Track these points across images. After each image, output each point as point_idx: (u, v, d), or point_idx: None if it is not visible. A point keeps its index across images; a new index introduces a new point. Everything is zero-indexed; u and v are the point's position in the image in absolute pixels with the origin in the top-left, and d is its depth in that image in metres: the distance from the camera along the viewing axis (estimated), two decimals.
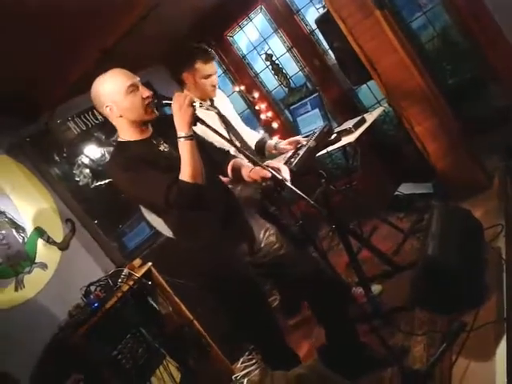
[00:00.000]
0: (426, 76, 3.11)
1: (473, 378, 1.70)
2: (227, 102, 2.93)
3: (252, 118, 4.53)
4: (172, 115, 1.73)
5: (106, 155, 3.36)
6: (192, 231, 1.95)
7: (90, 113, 3.36)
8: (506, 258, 2.28)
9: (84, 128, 3.33)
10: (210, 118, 2.41)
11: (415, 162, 3.58)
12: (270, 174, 1.72)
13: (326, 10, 3.33)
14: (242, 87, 4.39)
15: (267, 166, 1.73)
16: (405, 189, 3.78)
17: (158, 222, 2.37)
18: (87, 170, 3.23)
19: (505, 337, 1.74)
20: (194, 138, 1.73)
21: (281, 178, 1.70)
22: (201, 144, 1.81)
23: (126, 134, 1.86)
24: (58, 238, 2.92)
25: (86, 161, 3.26)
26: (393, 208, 3.75)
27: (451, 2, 3.52)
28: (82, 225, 3.03)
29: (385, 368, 2.08)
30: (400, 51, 2.99)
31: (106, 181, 3.25)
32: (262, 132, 4.23)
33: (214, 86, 2.65)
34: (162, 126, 1.88)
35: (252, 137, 2.88)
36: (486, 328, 1.83)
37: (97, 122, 3.40)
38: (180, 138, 1.72)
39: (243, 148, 2.54)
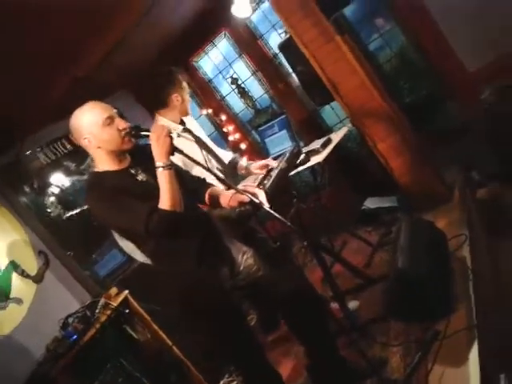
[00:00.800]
0: (385, 95, 3.27)
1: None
2: (197, 125, 3.00)
3: (220, 139, 4.60)
4: (149, 145, 1.78)
5: (77, 184, 3.35)
6: (171, 258, 1.98)
7: (58, 142, 3.35)
8: (472, 267, 2.40)
9: (53, 158, 3.31)
10: (188, 146, 2.47)
11: (380, 177, 3.73)
12: (247, 199, 1.79)
13: (288, 35, 3.47)
14: (210, 110, 4.47)
15: (244, 192, 1.80)
16: (371, 203, 3.91)
17: (131, 248, 2.38)
18: (58, 201, 3.21)
19: (476, 343, 1.84)
20: (173, 167, 1.78)
21: (258, 202, 1.78)
22: (179, 173, 1.86)
23: (104, 164, 1.89)
24: (32, 271, 2.87)
25: (56, 191, 3.24)
26: (361, 222, 3.88)
27: (406, 23, 3.74)
28: (55, 256, 3.00)
29: (364, 380, 2.15)
30: (360, 73, 3.14)
31: (78, 210, 3.23)
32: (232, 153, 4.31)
33: (187, 103, 2.75)
34: (140, 156, 1.92)
35: (224, 157, 2.95)
36: (458, 335, 1.93)
37: (66, 151, 3.39)
38: (158, 167, 1.76)
39: (223, 172, 2.62)
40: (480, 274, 2.35)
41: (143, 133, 1.83)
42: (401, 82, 3.87)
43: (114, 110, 1.88)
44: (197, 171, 2.11)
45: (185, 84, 2.69)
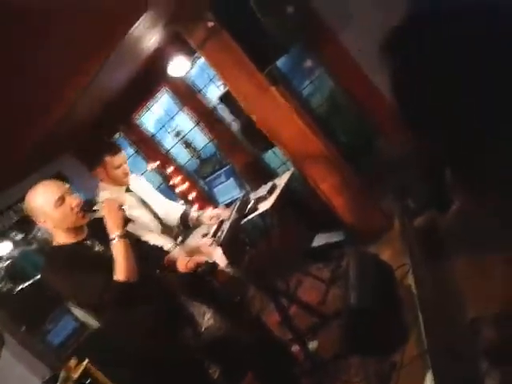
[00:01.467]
0: (322, 138, 3.49)
1: None
2: (143, 183, 3.06)
3: (168, 191, 4.66)
4: None
5: (25, 254, 3.29)
6: (129, 325, 2.02)
7: (4, 214, 3.29)
8: (417, 295, 2.56)
9: (1, 230, 3.25)
10: (143, 213, 2.53)
11: (325, 214, 3.90)
12: (203, 260, 1.88)
13: (227, 88, 3.64)
14: (156, 163, 4.54)
15: (201, 253, 1.89)
16: (319, 240, 4.06)
17: (84, 314, 2.38)
18: (8, 275, 3.13)
19: (430, 367, 1.97)
20: (127, 237, 1.84)
21: (213, 261, 1.87)
22: (136, 243, 1.93)
23: (60, 238, 1.94)
24: None
25: (6, 264, 3.16)
26: (312, 259, 4.01)
27: (331, 67, 4.01)
28: (9, 334, 2.90)
29: None
30: (297, 121, 3.34)
31: (30, 282, 3.16)
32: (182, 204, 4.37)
33: (127, 174, 2.79)
34: (97, 227, 1.96)
35: (176, 210, 3.02)
36: (414, 362, 2.06)
37: (13, 221, 3.33)
38: (112, 239, 1.82)
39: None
40: (425, 301, 2.51)
41: (95, 208, 1.89)
42: (334, 123, 4.13)
43: (67, 186, 1.93)
44: (153, 238, 2.18)
45: (108, 159, 2.72)
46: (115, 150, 2.75)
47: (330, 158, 3.45)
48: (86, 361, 2.83)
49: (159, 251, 2.18)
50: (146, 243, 2.17)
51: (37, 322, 3.21)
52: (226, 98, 3.79)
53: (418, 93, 0.99)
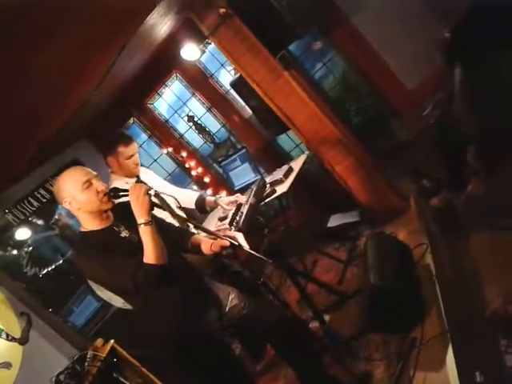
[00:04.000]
0: (336, 122, 3.50)
1: None
2: (152, 174, 3.12)
3: (183, 175, 4.71)
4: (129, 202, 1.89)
5: (48, 239, 3.37)
6: (157, 307, 2.07)
7: (25, 201, 3.36)
8: (436, 273, 2.60)
9: (22, 217, 3.32)
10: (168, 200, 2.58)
11: (341, 194, 3.93)
12: (228, 243, 1.93)
13: (238, 73, 3.65)
14: (170, 149, 4.58)
15: (225, 236, 1.94)
16: (335, 220, 4.10)
17: (109, 295, 2.44)
18: (33, 260, 3.22)
19: (450, 345, 2.02)
20: (153, 222, 1.89)
21: (238, 244, 1.92)
22: (161, 225, 1.97)
23: (88, 224, 1.98)
24: (17, 334, 2.85)
25: (29, 250, 3.24)
26: (328, 240, 4.05)
27: (344, 50, 4.01)
28: (37, 315, 2.99)
29: None
30: (311, 104, 3.35)
31: (53, 266, 3.25)
32: (197, 189, 4.43)
33: (137, 164, 2.84)
34: (122, 213, 2.01)
35: (191, 196, 3.06)
36: (434, 340, 2.10)
37: (33, 208, 3.40)
38: (140, 225, 1.87)
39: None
40: (444, 279, 2.55)
41: (122, 193, 1.94)
42: (347, 105, 4.13)
43: (94, 173, 1.98)
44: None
45: (121, 149, 2.76)
46: (128, 140, 2.80)
47: (344, 139, 3.46)
48: (113, 340, 2.92)
49: (184, 233, 2.23)
50: (171, 225, 2.22)
51: (62, 303, 3.30)
52: (238, 84, 3.79)
53: None
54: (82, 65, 2.51)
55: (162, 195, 1.93)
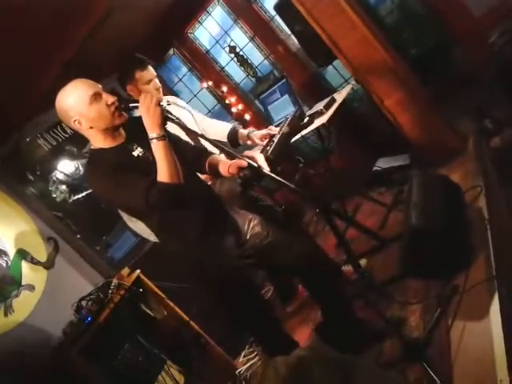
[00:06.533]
0: (389, 49, 3.12)
1: (470, 338, 1.72)
2: (182, 103, 2.92)
3: (223, 112, 4.51)
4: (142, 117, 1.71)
5: (80, 168, 3.31)
6: (175, 231, 1.93)
7: (58, 127, 3.31)
8: (489, 217, 2.31)
9: (54, 143, 3.28)
10: (183, 115, 2.39)
11: (389, 136, 3.61)
12: (246, 163, 1.72)
13: None
14: (210, 83, 4.37)
15: (243, 156, 1.73)
16: (382, 163, 3.80)
17: (140, 228, 2.34)
18: (63, 186, 3.19)
19: (496, 293, 1.77)
20: (167, 137, 1.71)
21: (257, 165, 1.70)
22: (176, 143, 1.79)
23: (99, 142, 1.83)
24: (42, 258, 2.87)
25: (60, 176, 3.21)
26: (373, 184, 3.78)
27: None
28: (64, 241, 2.98)
29: (384, 340, 2.09)
30: (361, 27, 2.99)
31: (84, 194, 3.20)
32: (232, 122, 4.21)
33: (158, 89, 2.64)
34: (134, 130, 1.84)
35: (223, 128, 2.86)
36: (478, 288, 1.86)
37: (66, 135, 3.35)
38: (152, 139, 1.70)
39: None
40: (497, 224, 2.26)
41: (132, 104, 1.76)
42: (405, 33, 3.71)
43: (100, 86, 1.80)
44: (196, 140, 2.03)
45: (138, 74, 2.56)
46: (144, 64, 2.61)
47: (396, 70, 3.09)
48: (139, 271, 2.88)
49: (201, 153, 2.04)
50: (187, 143, 2.04)
51: (95, 232, 3.28)
52: (283, 6, 3.47)
53: None
54: None
55: (176, 106, 1.73)
